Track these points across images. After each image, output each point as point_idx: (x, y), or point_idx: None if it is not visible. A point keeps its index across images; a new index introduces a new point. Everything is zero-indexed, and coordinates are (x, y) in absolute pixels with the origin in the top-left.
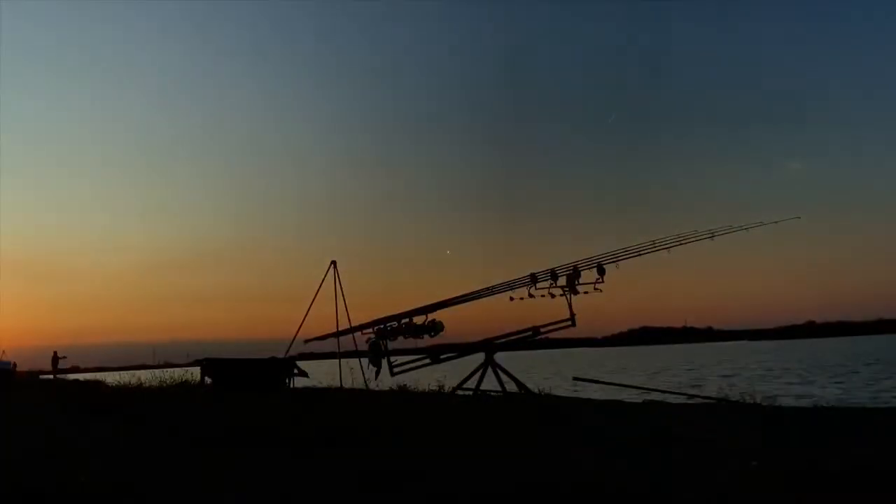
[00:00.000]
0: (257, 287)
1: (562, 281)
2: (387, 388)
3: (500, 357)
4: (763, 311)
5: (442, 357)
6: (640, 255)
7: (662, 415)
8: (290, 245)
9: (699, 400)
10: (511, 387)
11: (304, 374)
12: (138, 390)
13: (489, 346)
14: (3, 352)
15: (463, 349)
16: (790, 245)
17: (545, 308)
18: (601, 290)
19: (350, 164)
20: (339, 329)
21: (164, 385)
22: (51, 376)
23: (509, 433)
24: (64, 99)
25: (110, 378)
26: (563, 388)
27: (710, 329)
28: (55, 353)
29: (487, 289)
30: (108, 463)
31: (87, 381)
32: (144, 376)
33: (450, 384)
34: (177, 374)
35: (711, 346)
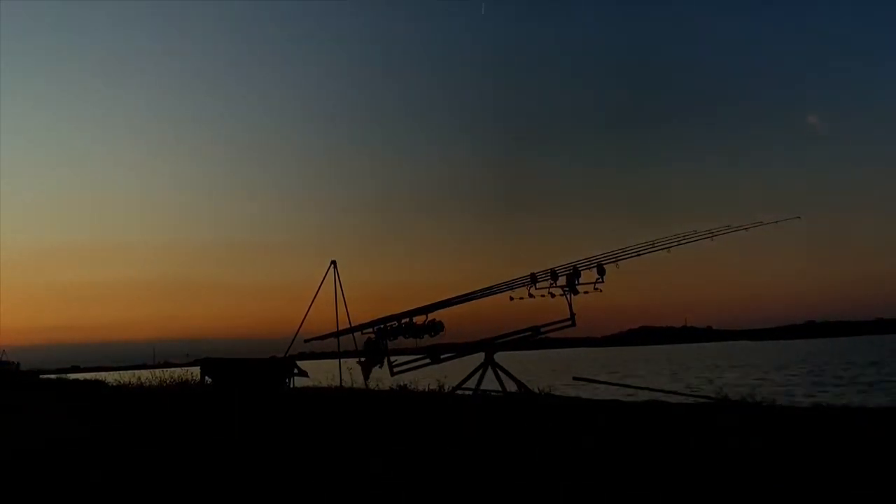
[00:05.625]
0: (257, 286)
1: (562, 281)
2: (387, 388)
3: (500, 357)
4: (763, 311)
5: (442, 357)
6: (640, 255)
7: (662, 415)
8: (290, 244)
9: (699, 400)
10: (511, 387)
11: (304, 373)
12: (138, 390)
13: (489, 346)
14: (4, 352)
15: (463, 349)
16: (790, 245)
17: (545, 308)
18: (601, 290)
19: (351, 163)
20: (339, 329)
21: (164, 385)
22: (52, 376)
23: (509, 433)
24: (64, 94)
25: (110, 378)
26: (563, 388)
27: (710, 329)
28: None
29: (487, 289)
30: (109, 464)
31: (87, 381)
32: (144, 376)
33: (450, 384)
34: (176, 373)
35: (711, 346)
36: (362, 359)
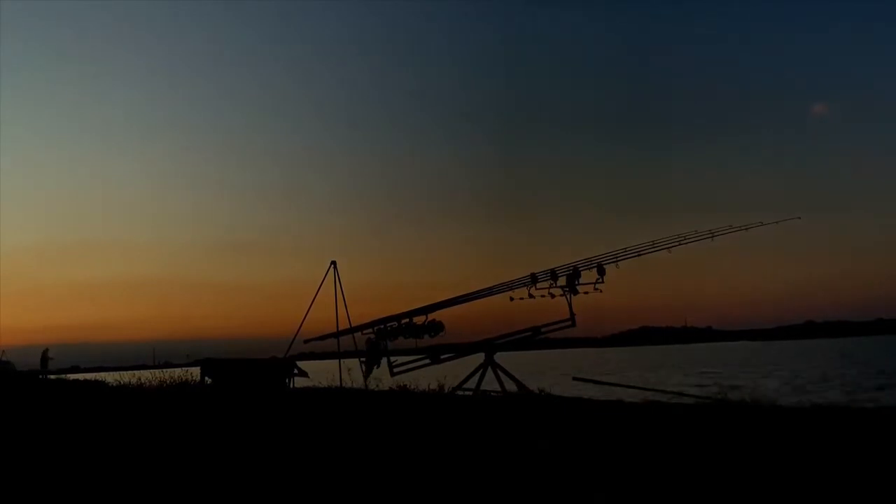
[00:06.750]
0: (258, 286)
1: (562, 281)
2: (387, 388)
3: (500, 357)
4: (763, 311)
5: (442, 357)
6: (640, 255)
7: (662, 415)
8: (290, 244)
9: (699, 400)
10: (511, 387)
11: (304, 374)
12: (139, 390)
13: (489, 346)
14: (3, 351)
15: (463, 349)
16: (790, 245)
17: (545, 308)
18: (601, 290)
19: (351, 163)
20: (339, 329)
21: (164, 385)
22: (52, 376)
23: (507, 434)
24: (63, 94)
25: (110, 378)
26: (563, 388)
27: (710, 329)
28: (45, 351)
29: (487, 289)
30: (110, 464)
31: (87, 381)
32: (144, 376)
33: (450, 384)
34: (177, 374)
35: (711, 346)
36: (363, 359)
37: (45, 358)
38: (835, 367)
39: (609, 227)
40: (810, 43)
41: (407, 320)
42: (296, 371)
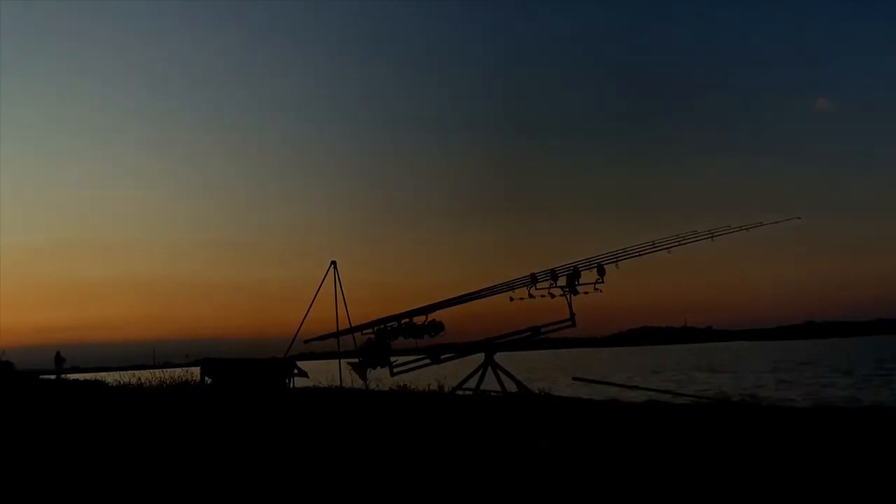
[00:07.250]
0: (257, 286)
1: (562, 281)
2: (387, 389)
3: (500, 357)
4: (763, 311)
5: (442, 357)
6: (641, 255)
7: (662, 415)
8: (290, 244)
9: (699, 400)
10: (511, 387)
11: (304, 374)
12: (138, 390)
13: (489, 346)
14: (3, 352)
15: (463, 349)
16: (790, 245)
17: (545, 308)
18: (601, 290)
19: (351, 162)
20: (339, 329)
21: (164, 385)
22: (52, 376)
23: (507, 434)
24: (60, 92)
25: (110, 378)
26: (563, 388)
27: (710, 329)
28: (58, 353)
29: (487, 289)
30: (109, 464)
31: (87, 381)
32: (144, 376)
33: (450, 384)
34: (176, 373)
35: (711, 346)
36: (357, 360)
37: (59, 359)
38: (834, 366)
39: (609, 227)
40: (810, 42)
41: (407, 320)
42: (296, 371)
